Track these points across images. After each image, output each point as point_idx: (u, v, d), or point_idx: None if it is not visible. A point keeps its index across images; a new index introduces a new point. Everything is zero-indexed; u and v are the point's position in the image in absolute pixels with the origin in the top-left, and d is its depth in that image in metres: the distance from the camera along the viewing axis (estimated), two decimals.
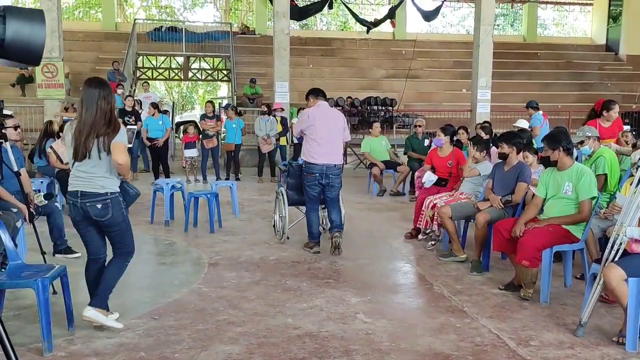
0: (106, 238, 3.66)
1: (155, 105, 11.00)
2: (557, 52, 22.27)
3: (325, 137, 5.55)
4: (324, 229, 6.19)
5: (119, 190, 3.56)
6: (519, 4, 25.07)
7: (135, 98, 10.96)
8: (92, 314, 3.55)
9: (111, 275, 3.63)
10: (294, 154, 12.21)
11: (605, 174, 5.06)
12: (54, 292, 3.97)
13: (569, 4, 26.47)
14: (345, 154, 9.92)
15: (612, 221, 4.36)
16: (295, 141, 12.28)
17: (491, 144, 6.22)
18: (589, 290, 3.68)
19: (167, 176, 9.94)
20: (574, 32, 31.26)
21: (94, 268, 3.69)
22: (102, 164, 3.45)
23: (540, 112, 9.59)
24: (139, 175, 11.09)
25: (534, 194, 4.68)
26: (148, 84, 17.43)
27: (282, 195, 6.08)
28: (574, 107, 16.80)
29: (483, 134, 6.54)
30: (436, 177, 6.35)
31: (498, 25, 31.18)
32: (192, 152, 10.83)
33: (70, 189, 3.55)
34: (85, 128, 3.40)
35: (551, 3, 26.23)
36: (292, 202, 6.08)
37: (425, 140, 9.36)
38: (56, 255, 5.26)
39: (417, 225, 6.06)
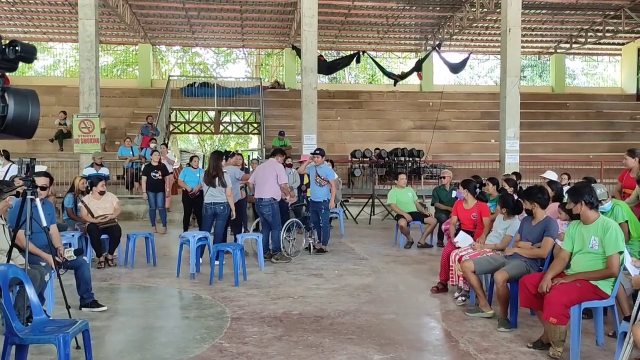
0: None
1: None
2: (587, 102, 22.16)
3: (258, 181, 8.15)
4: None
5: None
6: (546, 55, 25.18)
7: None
8: None
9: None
10: None
11: (627, 221, 5.00)
12: (77, 347, 4.00)
13: (598, 54, 26.46)
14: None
15: None
16: None
17: (518, 199, 6.06)
18: (619, 349, 3.55)
19: (200, 227, 9.97)
20: (604, 81, 31.11)
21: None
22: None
23: None
24: (168, 229, 11.23)
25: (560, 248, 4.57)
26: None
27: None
28: (605, 157, 16.52)
29: (507, 187, 6.45)
30: (472, 239, 6.13)
31: (525, 76, 31.29)
32: None
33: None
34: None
35: (579, 54, 26.27)
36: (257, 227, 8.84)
37: (453, 191, 9.30)
38: (83, 309, 5.33)
39: (452, 282, 5.94)
